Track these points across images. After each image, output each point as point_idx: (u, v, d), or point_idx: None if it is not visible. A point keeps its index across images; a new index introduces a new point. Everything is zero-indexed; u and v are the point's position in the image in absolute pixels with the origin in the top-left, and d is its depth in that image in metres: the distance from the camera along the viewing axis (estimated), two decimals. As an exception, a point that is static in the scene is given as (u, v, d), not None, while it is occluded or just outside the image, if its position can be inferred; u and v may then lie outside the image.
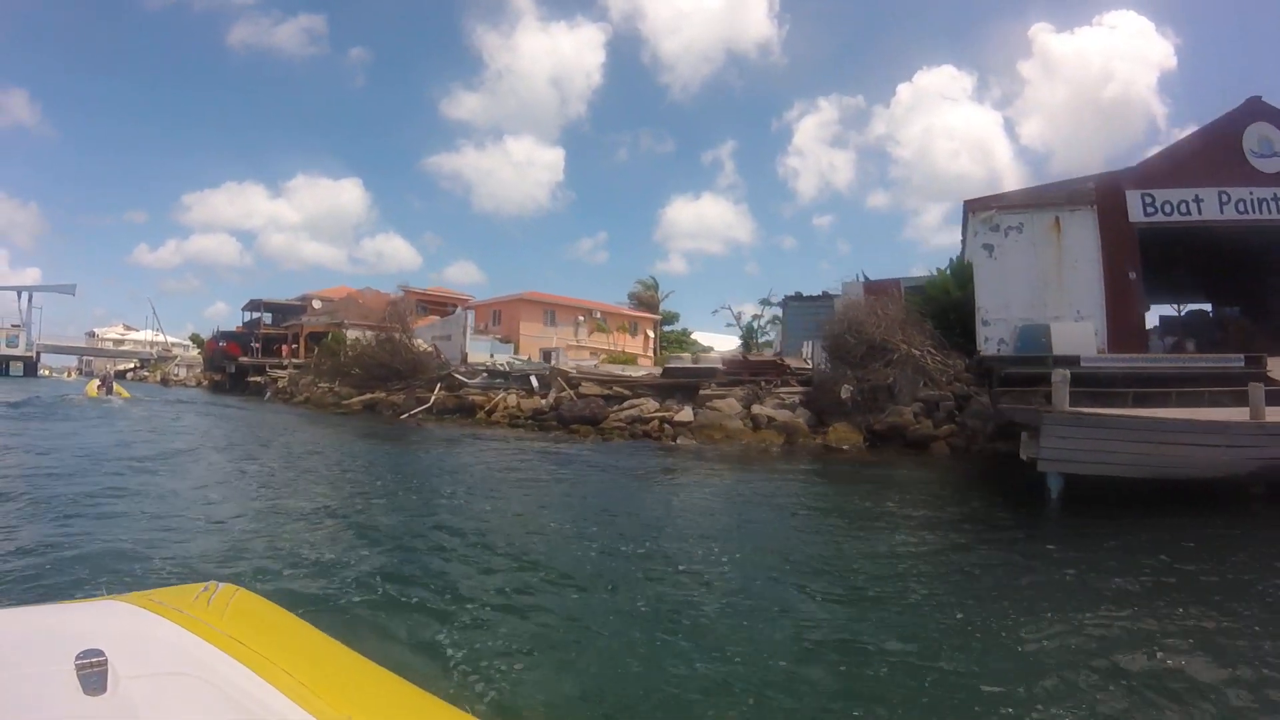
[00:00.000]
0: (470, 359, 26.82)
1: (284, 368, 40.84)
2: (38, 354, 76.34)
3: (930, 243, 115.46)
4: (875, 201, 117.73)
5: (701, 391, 19.24)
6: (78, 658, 1.02)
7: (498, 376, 22.57)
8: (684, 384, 19.85)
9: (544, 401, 20.18)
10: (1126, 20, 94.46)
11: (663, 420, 17.89)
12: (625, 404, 19.04)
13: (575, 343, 46.01)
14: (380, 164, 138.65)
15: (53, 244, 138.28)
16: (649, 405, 18.98)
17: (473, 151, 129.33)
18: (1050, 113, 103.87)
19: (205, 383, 58.83)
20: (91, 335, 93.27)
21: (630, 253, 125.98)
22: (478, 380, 22.48)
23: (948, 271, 20.21)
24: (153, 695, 1.02)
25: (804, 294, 29.83)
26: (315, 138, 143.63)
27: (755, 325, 39.79)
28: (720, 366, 21.20)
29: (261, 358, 46.16)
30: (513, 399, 20.64)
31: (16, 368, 75.25)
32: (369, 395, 23.21)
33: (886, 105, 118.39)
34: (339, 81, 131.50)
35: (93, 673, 1.00)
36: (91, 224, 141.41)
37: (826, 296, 28.12)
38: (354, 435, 16.55)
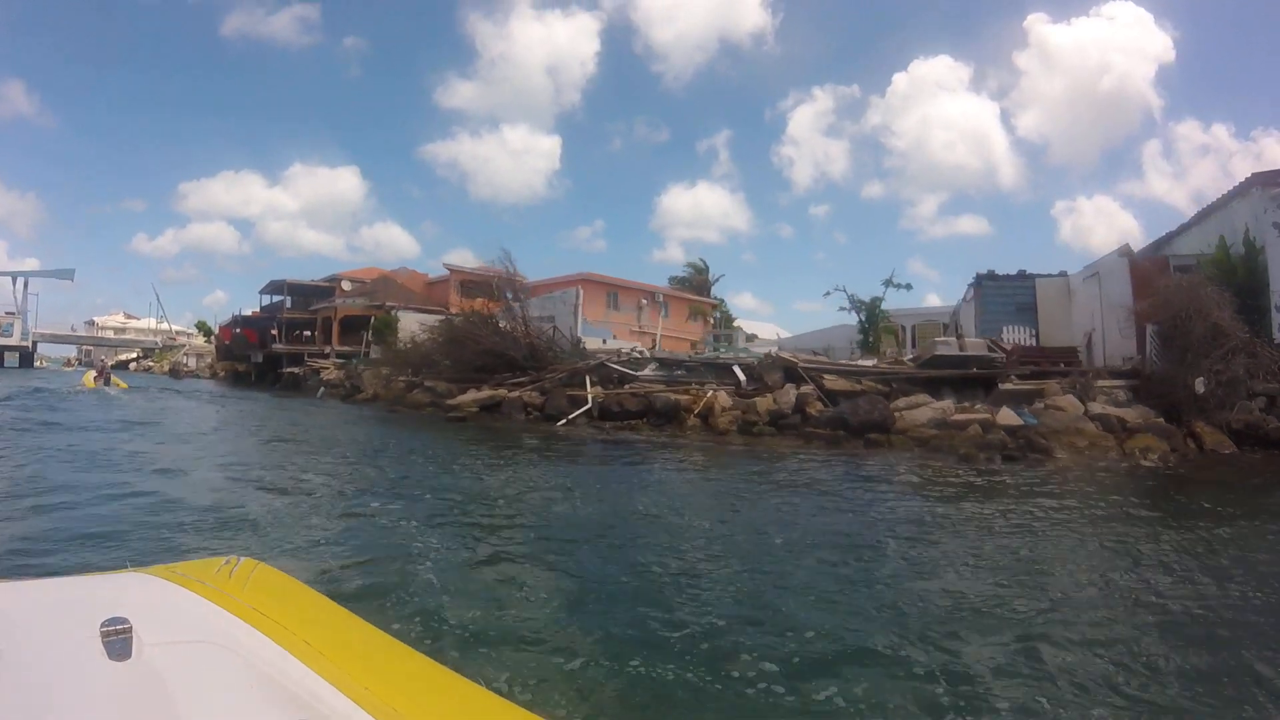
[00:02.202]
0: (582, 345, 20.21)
1: (325, 356, 33.76)
2: (34, 344, 67.97)
3: (927, 233, 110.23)
4: (870, 191, 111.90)
5: (1002, 386, 13.51)
6: (103, 625, 0.99)
7: (676, 367, 15.75)
8: (958, 376, 14.17)
9: (778, 401, 13.67)
10: (1125, 11, 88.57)
11: (985, 425, 11.99)
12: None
13: (638, 328, 39.82)
14: (377, 152, 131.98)
15: (51, 233, 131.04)
16: (944, 404, 12.98)
17: (469, 140, 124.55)
18: (1047, 104, 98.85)
19: (222, 373, 51.09)
20: (91, 324, 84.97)
21: (627, 241, 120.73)
22: (649, 372, 15.66)
23: (1240, 250, 15.77)
24: (176, 662, 0.98)
25: (997, 272, 24.16)
26: (312, 126, 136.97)
27: (878, 309, 33.00)
28: (992, 354, 15.10)
29: (290, 345, 39.05)
30: (724, 397, 13.94)
31: (11, 359, 66.86)
32: (486, 393, 16.28)
33: (882, 95, 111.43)
34: (334, 70, 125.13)
35: (117, 640, 0.97)
36: (90, 213, 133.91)
37: (1024, 276, 23.10)
38: (574, 468, 9.72)
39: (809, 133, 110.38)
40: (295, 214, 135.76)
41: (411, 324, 34.55)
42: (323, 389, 25.25)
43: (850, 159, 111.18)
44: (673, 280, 54.53)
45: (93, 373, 29.52)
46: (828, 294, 39.12)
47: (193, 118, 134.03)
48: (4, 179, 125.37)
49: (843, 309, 41.32)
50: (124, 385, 27.06)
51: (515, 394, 16.06)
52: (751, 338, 47.92)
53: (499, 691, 1.13)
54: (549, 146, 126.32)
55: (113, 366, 67.53)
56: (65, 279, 69.18)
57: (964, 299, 27.45)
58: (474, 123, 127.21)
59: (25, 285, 65.00)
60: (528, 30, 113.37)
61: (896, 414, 12.83)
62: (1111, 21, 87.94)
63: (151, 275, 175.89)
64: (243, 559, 1.52)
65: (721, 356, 16.07)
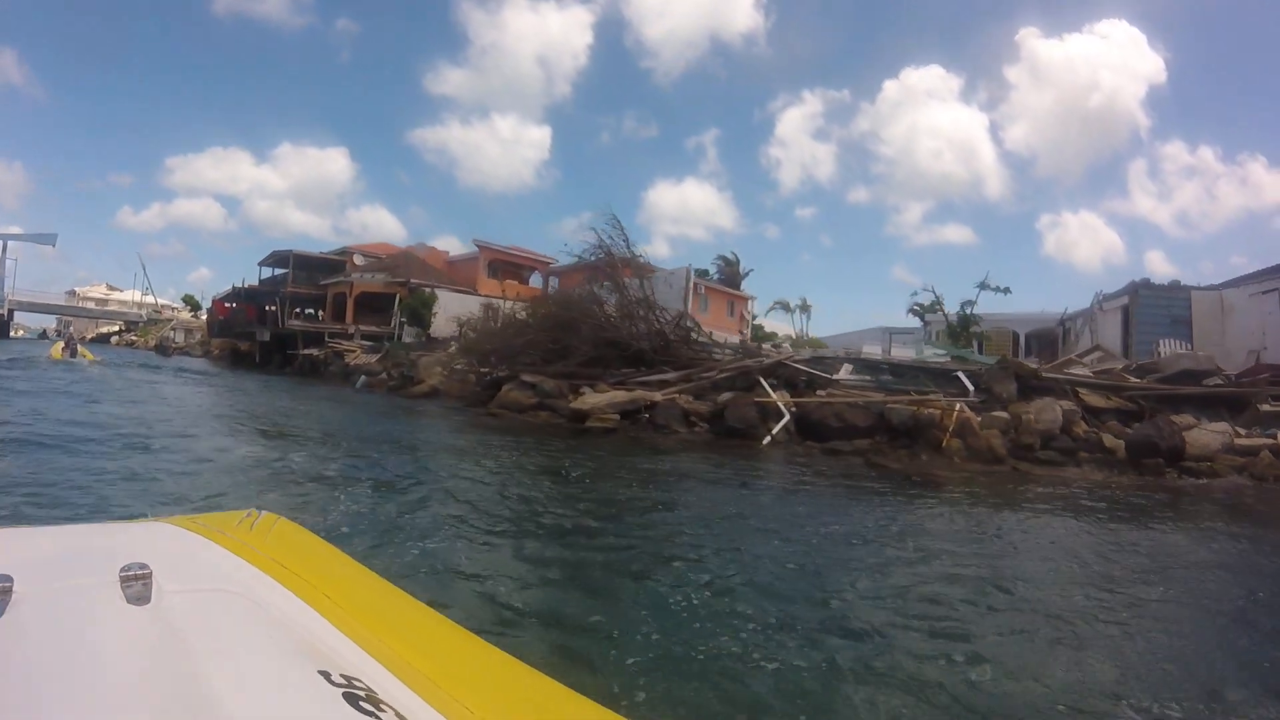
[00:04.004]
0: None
1: (349, 337, 29.15)
2: (10, 311, 61.91)
3: (912, 240, 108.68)
4: (856, 197, 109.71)
5: (1262, 408, 10.97)
6: (122, 570, 0.94)
7: (879, 371, 11.78)
8: (1209, 394, 11.44)
9: (1040, 418, 9.94)
10: (1118, 30, 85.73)
11: (1274, 451, 9.54)
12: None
13: (678, 320, 35.67)
14: (366, 135, 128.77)
15: (36, 203, 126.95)
16: (1221, 427, 10.34)
17: (458, 126, 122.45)
18: (1036, 118, 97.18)
19: (216, 352, 45.85)
20: (72, 294, 78.62)
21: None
22: (848, 375, 11.68)
23: None
24: (195, 609, 0.94)
25: (1152, 281, 20.99)
26: (301, 107, 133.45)
27: (969, 313, 29.34)
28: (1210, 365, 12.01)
29: (308, 322, 34.26)
30: (970, 412, 10.17)
31: (-15, 326, 61.16)
32: (623, 394, 12.10)
33: (872, 101, 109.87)
34: (325, 52, 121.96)
35: (137, 585, 0.93)
36: (76, 185, 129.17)
37: (1178, 287, 20.94)
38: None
39: (797, 135, 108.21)
40: (282, 193, 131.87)
41: (451, 304, 30.24)
42: (363, 378, 20.75)
43: (838, 163, 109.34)
44: (696, 273, 50.44)
45: (60, 344, 28.46)
46: (915, 294, 35.40)
47: (182, 93, 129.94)
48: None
49: (912, 312, 37.83)
50: (91, 357, 25.50)
51: (661, 396, 11.96)
52: (772, 336, 44.05)
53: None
54: (538, 137, 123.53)
55: (93, 340, 62.21)
56: (47, 244, 63.34)
57: (1095, 306, 23.91)
58: (464, 110, 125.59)
59: (3, 249, 58.91)
60: (520, 20, 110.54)
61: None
62: (1104, 39, 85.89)
63: (136, 249, 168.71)
64: (264, 513, 1.45)
65: (934, 359, 12.14)
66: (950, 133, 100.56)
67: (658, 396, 11.91)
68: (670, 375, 12.68)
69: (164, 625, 0.86)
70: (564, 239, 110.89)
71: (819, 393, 11.40)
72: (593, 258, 15.15)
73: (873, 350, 14.35)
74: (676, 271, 17.60)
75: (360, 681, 0.80)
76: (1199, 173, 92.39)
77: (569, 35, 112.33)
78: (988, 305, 31.14)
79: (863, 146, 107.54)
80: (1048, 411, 10.38)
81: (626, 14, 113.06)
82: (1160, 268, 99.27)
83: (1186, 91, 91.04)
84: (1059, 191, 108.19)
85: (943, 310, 30.28)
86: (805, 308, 40.57)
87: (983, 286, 30.42)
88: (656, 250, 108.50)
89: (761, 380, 11.72)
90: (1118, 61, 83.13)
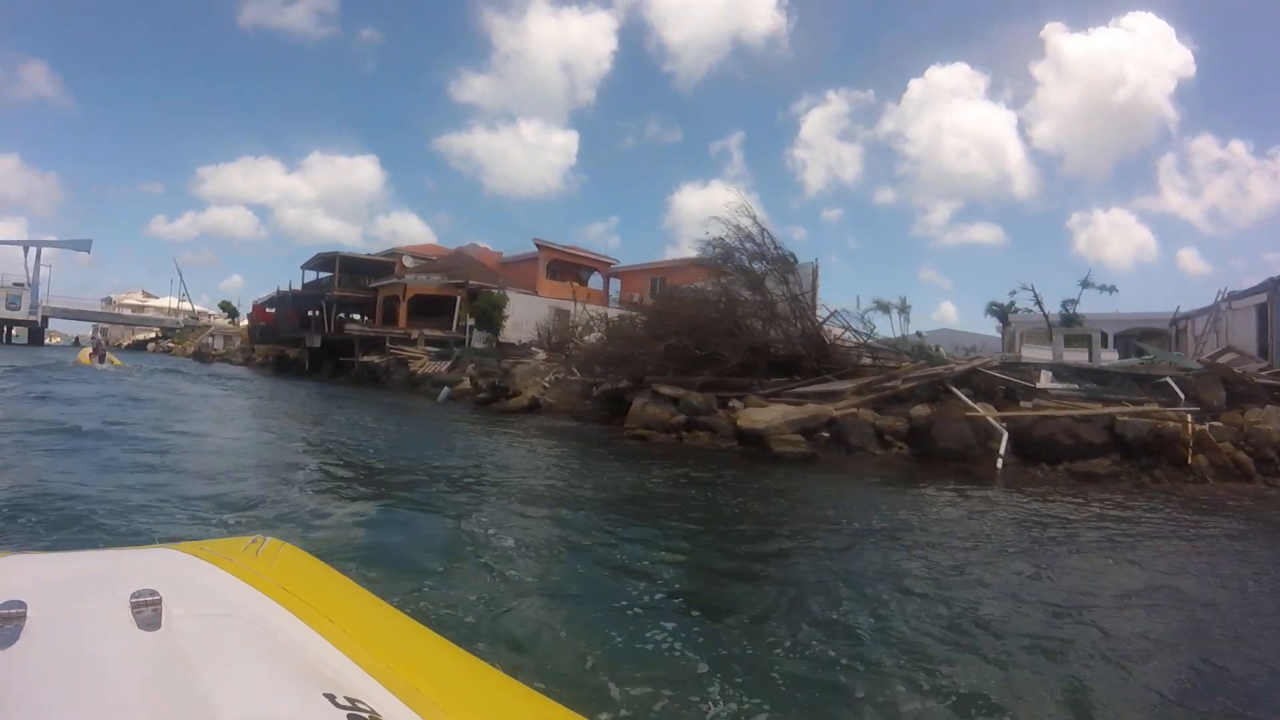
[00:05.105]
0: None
1: (411, 342, 28.25)
2: (44, 319, 61.86)
3: (939, 240, 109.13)
4: (883, 197, 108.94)
5: None
6: (133, 596, 0.99)
7: (1084, 378, 10.58)
8: None
9: (1274, 429, 8.71)
10: (1145, 23, 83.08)
11: None
12: None
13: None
14: (393, 143, 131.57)
15: (71, 213, 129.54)
16: None
17: (484, 133, 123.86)
18: (1062, 115, 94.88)
19: (259, 359, 45.05)
20: (108, 301, 78.94)
21: (641, 238, 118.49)
22: (1052, 384, 10.47)
23: None
24: (204, 634, 0.97)
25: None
26: (330, 116, 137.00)
27: (1072, 313, 27.82)
28: None
29: (364, 328, 33.44)
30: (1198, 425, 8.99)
31: (19, 334, 61.10)
32: (796, 410, 10.93)
33: (897, 101, 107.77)
34: (351, 61, 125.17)
35: (147, 610, 0.97)
36: (109, 194, 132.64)
37: None
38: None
39: (822, 136, 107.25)
40: (312, 201, 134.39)
41: (518, 307, 29.31)
42: (446, 389, 19.73)
43: (863, 164, 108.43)
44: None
45: (88, 350, 29.55)
46: (1013, 293, 33.81)
47: (212, 104, 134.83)
48: (25, 158, 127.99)
49: (990, 313, 36.28)
50: (119, 363, 26.34)
51: (837, 410, 10.79)
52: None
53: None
54: (563, 142, 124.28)
55: (129, 347, 62.17)
56: (82, 250, 63.21)
57: (1221, 305, 22.33)
58: (489, 116, 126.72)
59: (37, 256, 58.79)
60: (543, 26, 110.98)
61: None
62: (1131, 33, 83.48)
63: (170, 256, 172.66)
64: (269, 539, 1.47)
65: (1141, 364, 10.91)
66: (976, 131, 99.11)
67: (834, 411, 10.74)
68: (839, 385, 11.51)
69: (174, 650, 0.86)
70: (590, 242, 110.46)
71: (1023, 404, 10.19)
72: (733, 250, 13.97)
73: (1039, 354, 13.06)
74: (802, 266, 16.17)
75: (364, 704, 0.80)
76: (1230, 167, 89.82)
77: (591, 40, 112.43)
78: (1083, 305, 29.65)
79: (888, 147, 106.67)
80: (1275, 420, 9.21)
81: (648, 18, 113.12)
82: (1192, 264, 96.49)
83: (1216, 84, 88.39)
84: (1088, 189, 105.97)
85: (1042, 310, 28.76)
86: (904, 308, 38.80)
87: (1085, 284, 28.79)
88: (684, 253, 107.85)
89: (956, 390, 10.52)
90: (1145, 55, 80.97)
